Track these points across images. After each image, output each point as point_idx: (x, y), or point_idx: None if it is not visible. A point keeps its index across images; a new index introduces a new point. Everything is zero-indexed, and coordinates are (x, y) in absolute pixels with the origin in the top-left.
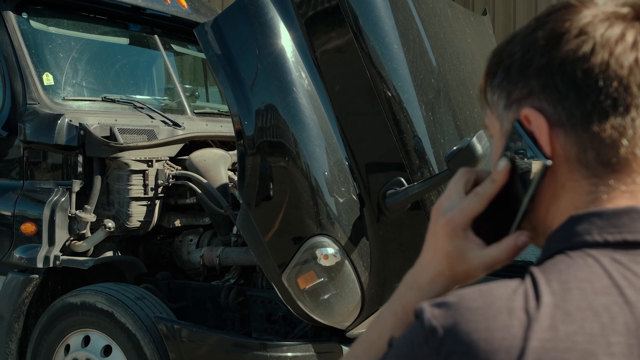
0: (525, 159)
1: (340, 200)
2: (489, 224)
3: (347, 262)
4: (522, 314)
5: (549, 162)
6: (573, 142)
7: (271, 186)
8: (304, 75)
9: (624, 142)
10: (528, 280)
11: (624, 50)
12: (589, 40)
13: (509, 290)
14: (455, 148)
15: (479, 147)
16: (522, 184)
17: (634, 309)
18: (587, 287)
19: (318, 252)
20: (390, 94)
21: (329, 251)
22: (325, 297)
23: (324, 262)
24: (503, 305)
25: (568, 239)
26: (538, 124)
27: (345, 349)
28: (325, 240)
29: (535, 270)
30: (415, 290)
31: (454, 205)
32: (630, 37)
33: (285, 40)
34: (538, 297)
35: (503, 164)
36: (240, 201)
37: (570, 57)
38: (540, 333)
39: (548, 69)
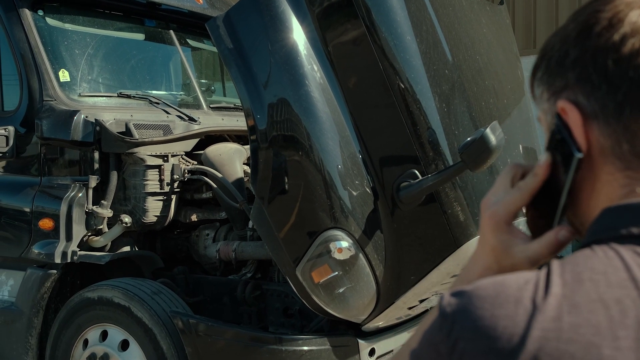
0: (564, 152)
1: (354, 193)
2: (543, 219)
3: (361, 255)
4: (529, 303)
5: (580, 155)
6: (607, 135)
7: (284, 180)
8: (316, 68)
9: None
10: (543, 271)
11: None
12: (620, 29)
13: (522, 281)
14: (468, 139)
15: (492, 138)
16: (563, 178)
17: None
18: (600, 280)
19: (332, 246)
20: (403, 86)
21: (343, 244)
22: (340, 290)
23: (338, 256)
24: (512, 294)
25: (598, 232)
26: (572, 117)
27: (361, 342)
28: (339, 233)
29: (554, 262)
30: (466, 284)
31: (499, 199)
32: None
33: (297, 34)
34: (547, 287)
35: (544, 158)
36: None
37: (601, 47)
38: (544, 323)
39: (581, 60)
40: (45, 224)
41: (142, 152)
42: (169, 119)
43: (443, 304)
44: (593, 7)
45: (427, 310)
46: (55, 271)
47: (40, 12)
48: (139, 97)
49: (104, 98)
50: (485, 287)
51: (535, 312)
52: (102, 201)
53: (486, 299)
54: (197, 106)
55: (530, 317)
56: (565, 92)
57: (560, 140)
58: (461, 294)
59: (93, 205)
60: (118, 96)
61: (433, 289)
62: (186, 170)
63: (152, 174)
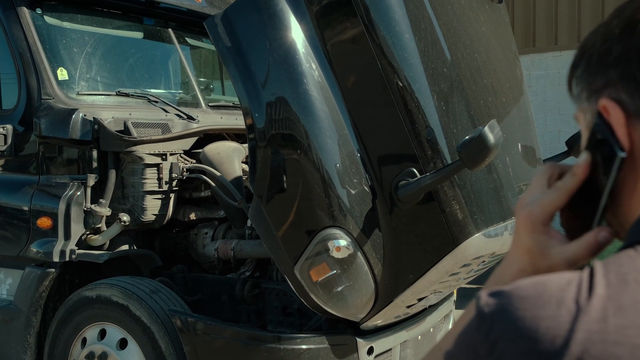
0: (605, 152)
1: (352, 192)
2: (579, 220)
3: (359, 254)
4: (572, 304)
5: (623, 154)
6: None
7: (283, 179)
8: (314, 66)
9: None
10: (586, 272)
11: None
12: None
13: (564, 281)
14: (467, 138)
15: (490, 137)
16: (603, 178)
17: None
18: None
19: (330, 244)
20: (401, 85)
21: (341, 243)
22: (339, 289)
23: (336, 254)
24: (554, 295)
25: None
26: (615, 115)
27: (359, 341)
28: (337, 232)
29: (597, 263)
30: (500, 286)
31: (535, 200)
32: None
33: (296, 32)
34: (591, 288)
35: (584, 157)
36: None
37: None
38: (588, 324)
39: (625, 58)
40: (44, 222)
41: (141, 150)
42: (167, 117)
43: (481, 304)
44: (637, 2)
45: (426, 309)
46: (53, 270)
47: (39, 11)
48: (138, 96)
49: (103, 96)
50: (525, 288)
51: (579, 313)
52: (101, 200)
53: (527, 300)
54: (196, 105)
55: (574, 318)
56: (607, 90)
57: (600, 140)
58: (500, 294)
59: (91, 203)
60: (116, 94)
61: (432, 287)
62: (185, 169)
63: (151, 173)
